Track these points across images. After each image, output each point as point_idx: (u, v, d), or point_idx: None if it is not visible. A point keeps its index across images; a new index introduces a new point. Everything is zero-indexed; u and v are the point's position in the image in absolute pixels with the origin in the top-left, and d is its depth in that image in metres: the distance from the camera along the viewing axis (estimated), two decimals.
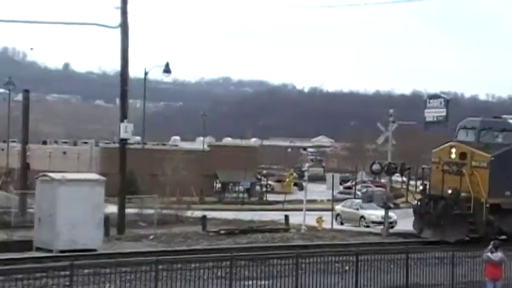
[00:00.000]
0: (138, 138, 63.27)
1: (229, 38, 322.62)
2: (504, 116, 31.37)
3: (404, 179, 71.23)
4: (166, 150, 69.92)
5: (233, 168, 68.91)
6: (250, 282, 18.95)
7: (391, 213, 36.67)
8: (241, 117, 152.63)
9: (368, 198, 54.23)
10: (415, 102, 67.65)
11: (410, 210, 32.43)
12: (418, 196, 32.18)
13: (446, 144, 30.66)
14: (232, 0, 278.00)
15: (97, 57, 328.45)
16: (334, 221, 39.98)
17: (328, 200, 48.74)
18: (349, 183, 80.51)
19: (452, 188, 29.20)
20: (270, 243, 28.51)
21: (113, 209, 30.53)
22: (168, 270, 17.83)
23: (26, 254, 23.91)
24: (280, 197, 64.94)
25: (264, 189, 75.55)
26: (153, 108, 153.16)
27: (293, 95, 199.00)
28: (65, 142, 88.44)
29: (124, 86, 31.56)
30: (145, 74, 55.94)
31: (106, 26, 31.03)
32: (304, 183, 42.60)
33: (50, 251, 24.50)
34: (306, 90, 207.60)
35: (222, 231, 30.92)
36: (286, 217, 35.53)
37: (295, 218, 36.33)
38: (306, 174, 41.29)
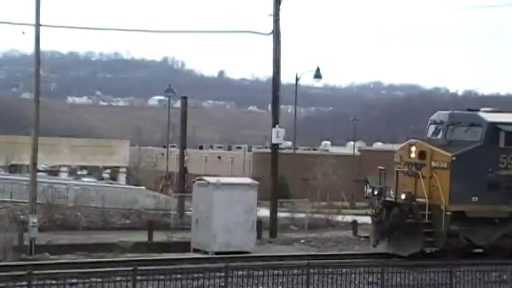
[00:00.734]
0: (289, 143, 63.72)
1: (381, 41, 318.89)
2: (483, 109, 26.40)
3: None
4: (317, 155, 70.04)
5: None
6: None
7: None
8: (392, 121, 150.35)
9: None
10: None
11: None
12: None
13: (406, 142, 26.41)
14: (385, 1, 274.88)
15: (250, 64, 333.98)
16: None
17: None
18: None
19: (406, 193, 24.69)
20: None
21: (265, 212, 30.86)
22: (319, 274, 17.80)
23: (184, 255, 24.59)
24: None
25: None
26: (304, 113, 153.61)
27: (446, 98, 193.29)
28: (220, 147, 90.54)
29: (276, 92, 31.87)
30: (297, 79, 56.17)
31: (259, 33, 31.46)
32: None
33: (206, 252, 25.07)
34: (459, 93, 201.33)
35: None
36: None
37: None
38: None
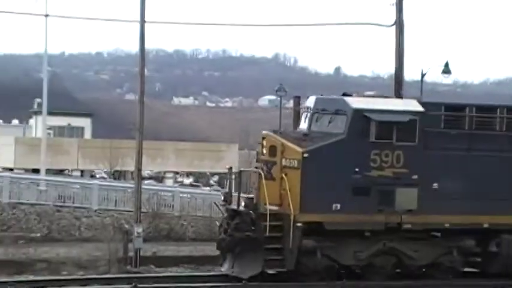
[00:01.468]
0: None
1: None
2: (366, 93, 22.86)
3: None
4: None
5: None
6: None
7: None
8: None
9: None
10: None
11: None
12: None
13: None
14: None
15: (369, 60, 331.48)
16: None
17: None
18: None
19: (246, 199, 20.86)
20: None
21: None
22: None
23: None
24: None
25: None
26: None
27: None
28: None
29: (399, 90, 31.42)
30: (422, 75, 55.06)
31: (379, 25, 31.14)
32: None
33: None
34: None
35: None
36: None
37: None
38: None
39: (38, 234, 33.08)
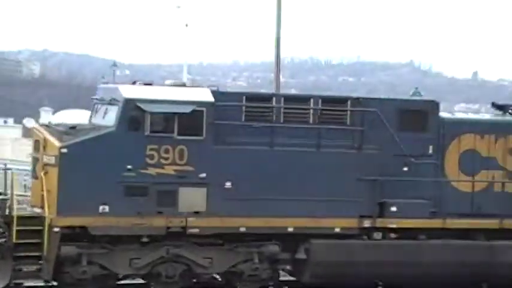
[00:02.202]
0: None
1: None
2: (167, 81, 20.31)
3: None
4: None
5: None
6: None
7: None
8: None
9: None
10: None
11: None
12: None
13: None
14: None
15: (509, 64, 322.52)
16: None
17: None
18: None
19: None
20: None
21: None
22: None
23: None
24: None
25: None
26: None
27: None
28: None
29: None
30: None
31: None
32: None
33: None
34: None
35: None
36: None
37: None
38: None
39: None
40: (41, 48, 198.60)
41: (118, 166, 18.15)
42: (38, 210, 18.39)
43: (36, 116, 63.93)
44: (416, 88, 52.14)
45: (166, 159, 18.49)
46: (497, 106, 21.80)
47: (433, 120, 20.09)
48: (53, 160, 18.17)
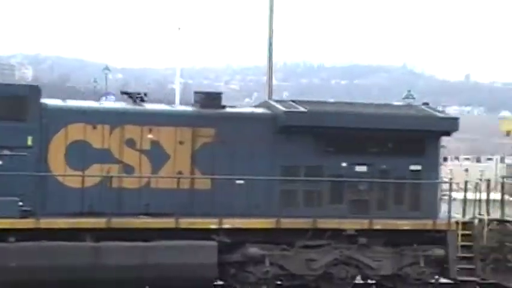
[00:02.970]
0: None
1: None
2: None
3: None
4: None
5: None
6: None
7: None
8: None
9: None
10: None
11: None
12: None
13: None
14: None
15: (501, 66, 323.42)
16: None
17: None
18: None
19: None
20: None
21: None
22: None
23: None
24: None
25: None
26: None
27: None
28: (467, 158, 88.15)
29: None
30: None
31: None
32: None
33: None
34: None
35: None
36: None
37: None
38: None
39: None
40: (34, 52, 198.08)
41: None
42: None
43: None
44: (409, 91, 52.47)
45: None
46: (125, 93, 19.48)
47: (33, 108, 17.50)
48: None
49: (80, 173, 17.75)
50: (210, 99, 19.21)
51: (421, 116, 19.97)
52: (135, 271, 17.45)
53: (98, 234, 17.40)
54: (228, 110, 19.30)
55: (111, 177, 17.86)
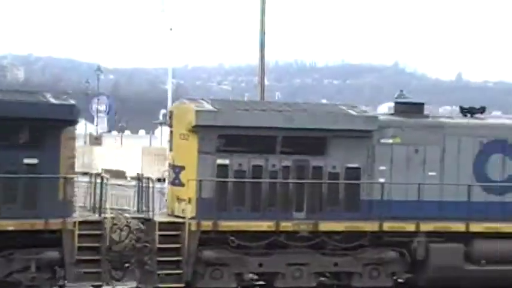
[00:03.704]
0: None
1: None
2: None
3: None
4: None
5: None
6: None
7: None
8: None
9: None
10: None
11: None
12: None
13: None
14: None
15: (493, 66, 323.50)
16: None
17: None
18: None
19: None
20: None
21: None
22: None
23: None
24: None
25: None
26: None
27: None
28: None
29: None
30: None
31: None
32: None
33: None
34: None
35: None
36: None
37: None
38: None
39: None
40: (25, 52, 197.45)
41: None
42: None
43: None
44: (401, 91, 52.33)
45: None
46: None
47: None
48: None
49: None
50: None
51: (30, 103, 17.42)
52: None
53: None
54: None
55: None
